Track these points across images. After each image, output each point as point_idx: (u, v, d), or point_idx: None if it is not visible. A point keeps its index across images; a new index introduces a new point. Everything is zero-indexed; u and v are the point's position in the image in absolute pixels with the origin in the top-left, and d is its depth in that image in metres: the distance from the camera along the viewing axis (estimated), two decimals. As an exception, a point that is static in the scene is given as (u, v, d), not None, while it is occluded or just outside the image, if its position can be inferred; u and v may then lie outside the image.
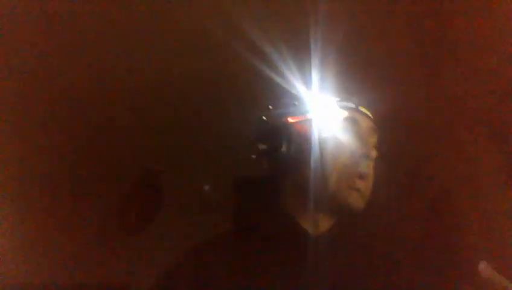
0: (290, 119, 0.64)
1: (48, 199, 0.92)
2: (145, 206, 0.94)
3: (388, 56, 0.88)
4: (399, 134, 0.83)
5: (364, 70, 0.84)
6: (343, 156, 0.61)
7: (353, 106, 0.64)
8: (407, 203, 0.83)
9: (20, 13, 0.89)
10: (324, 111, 0.63)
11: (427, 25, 0.91)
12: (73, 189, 0.93)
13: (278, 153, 0.61)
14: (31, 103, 0.94)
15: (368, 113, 0.66)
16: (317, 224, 0.62)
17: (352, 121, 0.63)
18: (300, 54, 0.68)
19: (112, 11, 0.90)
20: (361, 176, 0.61)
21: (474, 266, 0.62)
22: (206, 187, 0.86)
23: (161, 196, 0.95)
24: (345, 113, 0.63)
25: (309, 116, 0.63)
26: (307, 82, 0.65)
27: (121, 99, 0.94)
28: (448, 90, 0.91)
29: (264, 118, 0.64)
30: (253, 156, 0.65)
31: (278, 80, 0.68)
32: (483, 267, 0.60)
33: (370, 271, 0.59)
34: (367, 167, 0.61)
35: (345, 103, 0.64)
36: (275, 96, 0.67)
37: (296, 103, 0.65)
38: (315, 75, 0.65)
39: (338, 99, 0.65)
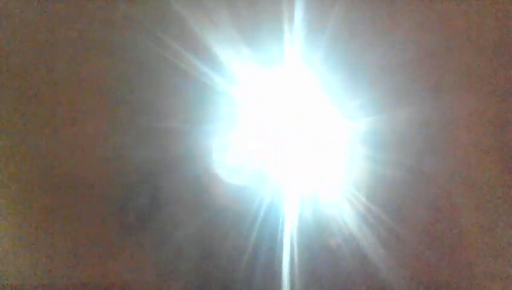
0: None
1: (48, 199, 0.92)
2: (145, 206, 0.94)
3: (386, 55, 0.88)
4: (398, 134, 0.83)
5: (360, 68, 0.84)
6: None
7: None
8: (407, 204, 0.83)
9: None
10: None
11: (427, 24, 0.91)
12: (73, 189, 0.93)
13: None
14: (31, 103, 0.94)
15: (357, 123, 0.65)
16: None
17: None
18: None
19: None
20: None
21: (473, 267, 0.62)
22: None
23: (161, 195, 0.94)
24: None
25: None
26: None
27: (122, 99, 0.94)
28: (449, 89, 0.91)
29: None
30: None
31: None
32: None
33: (369, 272, 0.59)
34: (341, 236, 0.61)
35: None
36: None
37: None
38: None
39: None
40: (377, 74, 0.85)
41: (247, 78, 0.67)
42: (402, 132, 0.83)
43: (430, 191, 0.86)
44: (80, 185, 0.94)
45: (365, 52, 0.84)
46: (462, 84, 0.90)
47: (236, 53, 0.69)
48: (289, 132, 0.62)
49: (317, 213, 0.60)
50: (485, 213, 0.86)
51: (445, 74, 0.91)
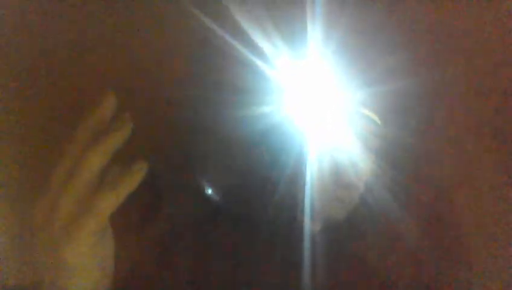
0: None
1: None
2: (145, 206, 0.94)
3: (387, 53, 0.88)
4: (398, 133, 0.83)
5: (362, 65, 0.83)
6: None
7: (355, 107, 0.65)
8: (407, 204, 0.83)
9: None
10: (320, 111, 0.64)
11: (427, 23, 0.91)
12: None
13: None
14: (31, 103, 0.94)
15: (373, 116, 0.66)
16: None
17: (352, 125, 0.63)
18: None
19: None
20: (347, 187, 0.61)
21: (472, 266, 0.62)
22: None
23: (161, 195, 0.95)
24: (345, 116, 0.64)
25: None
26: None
27: (122, 99, 0.94)
28: (449, 89, 0.91)
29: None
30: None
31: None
32: None
33: (367, 272, 0.59)
34: (355, 177, 0.61)
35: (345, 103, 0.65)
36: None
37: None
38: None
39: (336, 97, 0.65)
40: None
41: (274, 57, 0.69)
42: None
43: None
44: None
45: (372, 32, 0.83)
46: (464, 82, 0.90)
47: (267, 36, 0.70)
48: (309, 105, 0.66)
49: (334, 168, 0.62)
50: (485, 212, 0.86)
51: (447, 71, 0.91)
